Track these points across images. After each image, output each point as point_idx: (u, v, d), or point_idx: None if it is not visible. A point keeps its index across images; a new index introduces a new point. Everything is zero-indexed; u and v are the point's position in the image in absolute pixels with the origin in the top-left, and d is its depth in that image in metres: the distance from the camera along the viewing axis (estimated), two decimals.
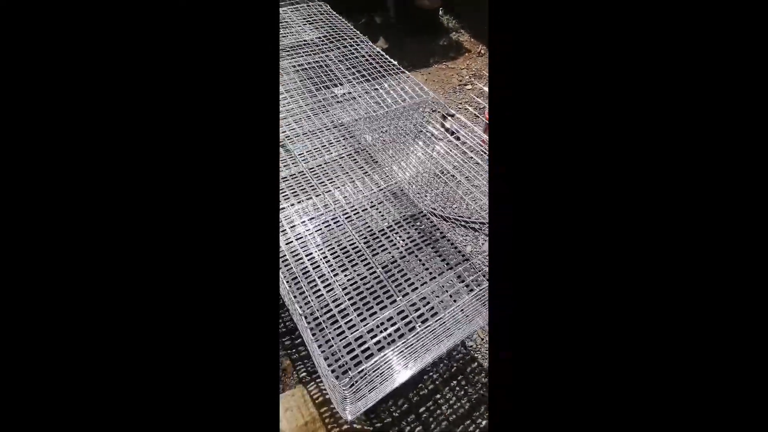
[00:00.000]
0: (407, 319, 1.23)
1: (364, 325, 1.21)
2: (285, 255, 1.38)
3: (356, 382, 0.86)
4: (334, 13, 1.71)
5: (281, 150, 1.78)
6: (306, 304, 1.26)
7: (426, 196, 1.61)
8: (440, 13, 3.25)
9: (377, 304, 1.27)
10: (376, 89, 1.28)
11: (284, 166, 1.72)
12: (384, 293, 1.30)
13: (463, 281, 1.35)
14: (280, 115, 1.22)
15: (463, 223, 1.75)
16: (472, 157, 1.28)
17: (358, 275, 1.34)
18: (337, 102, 1.34)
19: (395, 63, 1.40)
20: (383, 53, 1.45)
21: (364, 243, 1.44)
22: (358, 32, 1.57)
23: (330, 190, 1.62)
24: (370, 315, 1.24)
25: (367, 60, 1.42)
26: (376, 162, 1.75)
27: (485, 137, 1.28)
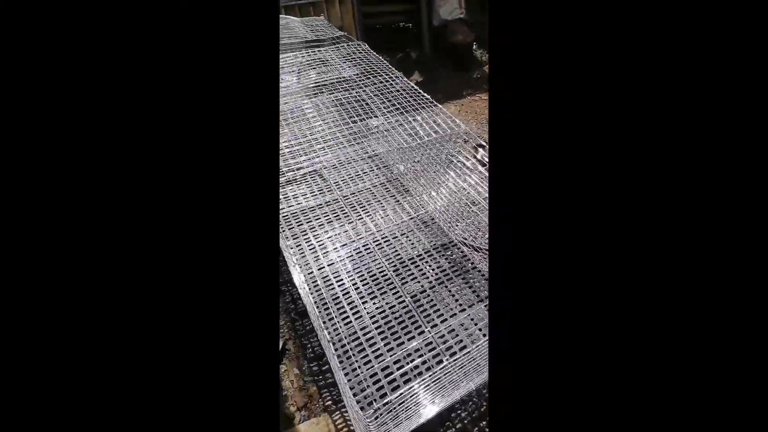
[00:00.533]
0: (435, 352, 1.20)
1: (391, 356, 1.20)
2: (317, 280, 1.41)
3: (381, 414, 0.84)
4: (372, 51, 1.81)
5: (318, 179, 1.86)
6: (335, 330, 1.27)
7: (457, 225, 1.61)
8: (474, 47, 3.34)
9: (405, 334, 1.25)
10: (410, 122, 1.33)
11: (320, 193, 1.79)
12: (412, 324, 1.28)
13: None
14: (318, 146, 1.28)
15: None
16: None
17: (387, 304, 1.34)
18: (372, 134, 1.40)
19: (428, 96, 1.45)
20: (416, 87, 1.51)
21: (394, 271, 1.44)
22: (393, 68, 1.65)
23: (362, 218, 1.66)
24: (398, 345, 1.23)
25: (401, 94, 1.48)
26: (408, 191, 1.77)
27: None
